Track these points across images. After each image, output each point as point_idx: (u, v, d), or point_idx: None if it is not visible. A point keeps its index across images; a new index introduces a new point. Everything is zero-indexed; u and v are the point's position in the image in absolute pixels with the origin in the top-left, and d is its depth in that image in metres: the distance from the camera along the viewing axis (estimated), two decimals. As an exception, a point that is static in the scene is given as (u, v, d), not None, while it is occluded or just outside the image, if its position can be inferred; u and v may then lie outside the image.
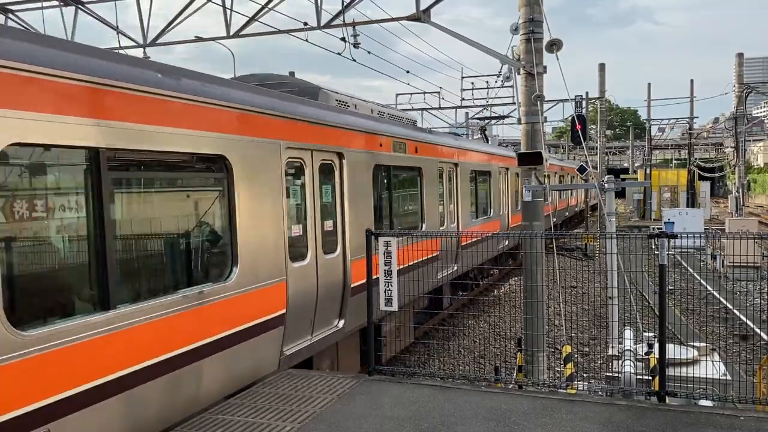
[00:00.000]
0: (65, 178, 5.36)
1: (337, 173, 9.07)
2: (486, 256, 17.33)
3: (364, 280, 7.88)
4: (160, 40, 14.16)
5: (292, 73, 11.68)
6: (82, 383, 4.93)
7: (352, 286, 9.16)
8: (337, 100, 10.48)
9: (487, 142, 24.15)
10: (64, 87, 4.92)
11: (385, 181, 11.15)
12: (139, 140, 5.56)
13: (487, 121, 28.51)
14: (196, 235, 6.68)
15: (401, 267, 8.15)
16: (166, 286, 6.04)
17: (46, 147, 4.91)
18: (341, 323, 9.11)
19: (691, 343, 9.02)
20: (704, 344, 8.92)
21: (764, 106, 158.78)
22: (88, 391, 4.97)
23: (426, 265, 11.53)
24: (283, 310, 7.50)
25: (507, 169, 20.47)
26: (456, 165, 14.89)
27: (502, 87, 26.05)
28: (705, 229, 27.38)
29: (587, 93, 35.38)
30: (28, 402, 4.54)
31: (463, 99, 29.79)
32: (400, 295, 7.72)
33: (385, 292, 7.60)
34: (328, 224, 8.85)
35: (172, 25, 14.04)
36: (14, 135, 4.51)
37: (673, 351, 8.08)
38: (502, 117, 28.86)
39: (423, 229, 12.40)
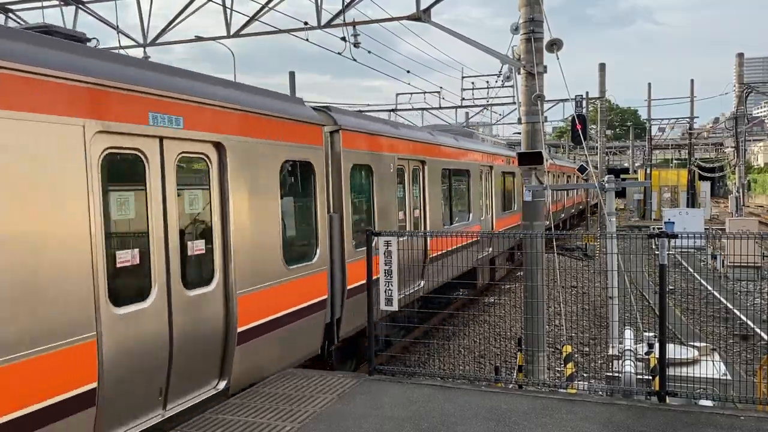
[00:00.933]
0: (435, 179, 13.12)
1: (490, 176, 17.93)
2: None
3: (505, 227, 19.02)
4: (160, 40, 14.15)
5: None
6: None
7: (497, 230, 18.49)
8: (481, 138, 20.58)
9: None
10: (451, 152, 14.51)
11: (501, 181, 19.43)
12: (454, 165, 14.54)
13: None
14: (464, 202, 15.73)
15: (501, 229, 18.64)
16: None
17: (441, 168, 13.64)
18: None
19: (692, 343, 9.02)
20: (704, 344, 8.91)
21: (764, 106, 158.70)
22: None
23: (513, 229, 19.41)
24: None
25: (564, 173, 34.59)
26: None
27: (503, 87, 26.15)
28: (705, 229, 27.38)
29: (587, 93, 35.40)
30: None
31: (464, 99, 29.83)
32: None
33: (385, 291, 7.59)
34: (486, 203, 17.94)
35: (172, 25, 14.03)
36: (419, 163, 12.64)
37: (673, 351, 8.07)
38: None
39: (514, 209, 21.02)
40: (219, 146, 6.47)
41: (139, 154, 5.62)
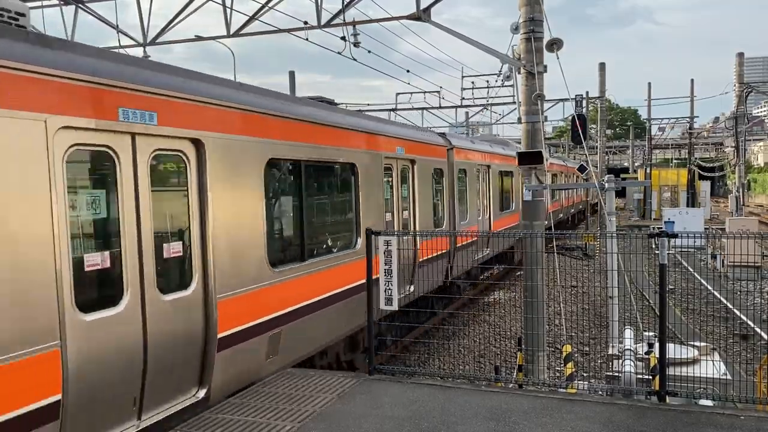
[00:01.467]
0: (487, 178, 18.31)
1: (516, 176, 20.74)
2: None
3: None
4: (159, 40, 14.14)
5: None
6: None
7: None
8: (515, 145, 22.40)
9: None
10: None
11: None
12: (505, 168, 19.90)
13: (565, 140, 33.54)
14: (510, 196, 21.08)
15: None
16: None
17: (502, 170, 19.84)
18: None
19: (692, 343, 9.02)
20: (704, 344, 8.91)
21: (764, 106, 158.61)
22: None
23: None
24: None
25: (572, 174, 37.69)
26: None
27: (503, 86, 26.16)
28: (705, 228, 27.39)
29: (587, 92, 35.35)
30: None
31: (464, 98, 29.81)
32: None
33: (385, 291, 7.59)
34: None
35: (172, 25, 14.02)
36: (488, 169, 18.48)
37: (673, 350, 8.07)
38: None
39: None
40: (413, 161, 12.12)
41: (403, 165, 11.88)
